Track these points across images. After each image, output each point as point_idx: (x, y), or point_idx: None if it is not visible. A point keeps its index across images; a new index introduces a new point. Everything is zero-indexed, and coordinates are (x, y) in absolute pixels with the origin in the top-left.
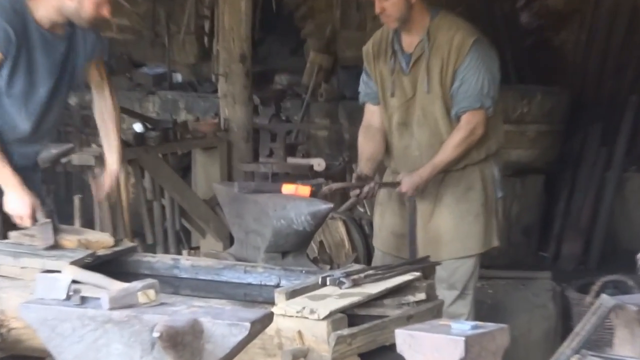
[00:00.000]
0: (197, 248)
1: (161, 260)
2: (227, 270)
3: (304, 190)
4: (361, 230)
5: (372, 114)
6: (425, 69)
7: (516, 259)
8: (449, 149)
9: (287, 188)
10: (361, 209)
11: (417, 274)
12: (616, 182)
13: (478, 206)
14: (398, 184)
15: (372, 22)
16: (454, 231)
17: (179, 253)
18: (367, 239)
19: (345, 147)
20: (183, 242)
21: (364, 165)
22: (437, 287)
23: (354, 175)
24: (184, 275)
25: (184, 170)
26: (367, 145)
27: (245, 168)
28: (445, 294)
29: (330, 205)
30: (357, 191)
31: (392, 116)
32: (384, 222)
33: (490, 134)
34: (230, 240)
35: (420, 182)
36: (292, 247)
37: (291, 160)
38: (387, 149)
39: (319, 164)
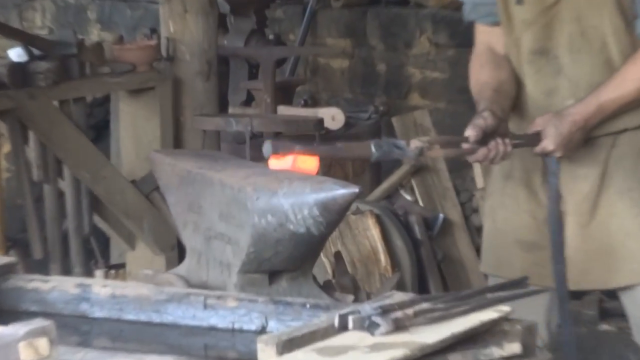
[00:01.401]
0: (122, 266)
1: (59, 287)
2: (175, 305)
3: (308, 162)
4: (408, 232)
5: (489, 35)
6: None
7: None
8: (631, 82)
9: (278, 160)
10: (407, 196)
11: (506, 309)
12: None
13: None
14: (537, 137)
15: None
16: None
17: (90, 274)
18: (417, 247)
19: (379, 87)
20: (96, 255)
21: (491, 101)
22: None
23: (476, 123)
24: (100, 314)
25: (98, 129)
26: (490, 73)
27: (205, 124)
28: None
29: (355, 189)
30: (481, 151)
31: (521, 40)
32: (499, 224)
33: None
34: (179, 252)
35: (573, 130)
36: (288, 263)
37: (285, 110)
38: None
39: (333, 116)
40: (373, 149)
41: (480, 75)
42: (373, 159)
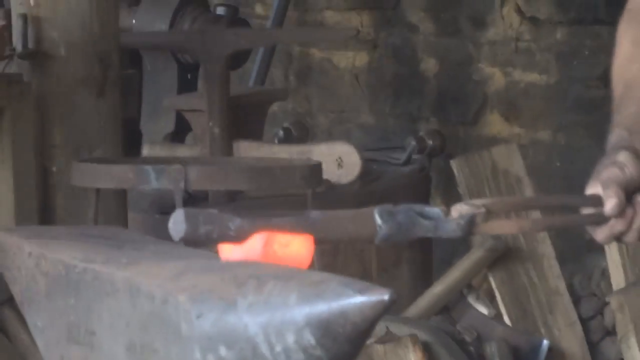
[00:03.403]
0: None
1: None
2: None
3: (293, 246)
4: None
5: None
6: None
7: None
8: None
9: (236, 244)
10: (481, 307)
11: None
12: None
13: None
14: None
15: None
16: None
17: None
18: None
19: (426, 102)
20: None
21: (633, 126)
22: None
23: (609, 175)
24: None
25: None
26: None
27: (98, 179)
28: None
29: (383, 295)
30: (618, 221)
31: None
32: None
33: None
34: None
35: None
36: None
37: (250, 150)
38: None
39: (340, 159)
40: (378, 219)
41: (630, 65)
42: (379, 240)
